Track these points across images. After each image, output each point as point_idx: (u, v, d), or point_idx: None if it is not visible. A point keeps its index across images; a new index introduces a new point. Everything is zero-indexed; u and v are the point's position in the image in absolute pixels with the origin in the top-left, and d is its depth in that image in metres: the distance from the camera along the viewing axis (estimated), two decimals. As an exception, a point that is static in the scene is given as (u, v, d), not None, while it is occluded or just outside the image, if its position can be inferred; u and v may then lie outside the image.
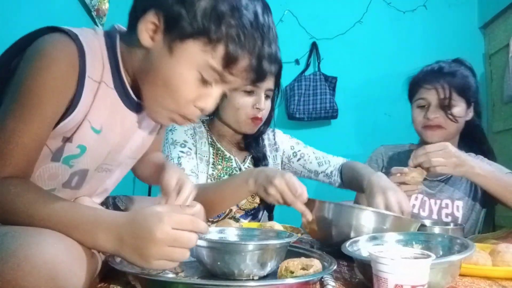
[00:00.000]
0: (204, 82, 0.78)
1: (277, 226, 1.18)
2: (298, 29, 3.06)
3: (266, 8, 0.79)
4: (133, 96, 0.84)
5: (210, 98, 0.80)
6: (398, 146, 1.69)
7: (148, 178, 1.07)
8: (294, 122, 2.95)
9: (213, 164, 1.47)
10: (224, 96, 0.85)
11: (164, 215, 0.62)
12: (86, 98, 0.76)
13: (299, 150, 1.60)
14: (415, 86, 1.55)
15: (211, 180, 1.44)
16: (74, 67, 0.73)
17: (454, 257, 0.77)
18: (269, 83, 1.43)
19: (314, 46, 3.04)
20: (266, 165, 1.54)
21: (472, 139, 1.60)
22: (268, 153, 1.58)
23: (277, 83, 1.49)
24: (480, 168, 1.31)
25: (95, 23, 2.36)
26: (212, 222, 1.36)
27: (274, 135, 1.63)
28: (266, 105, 1.45)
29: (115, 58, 0.80)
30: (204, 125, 1.54)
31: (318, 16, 3.06)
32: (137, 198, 1.12)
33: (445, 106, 1.46)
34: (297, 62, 3.07)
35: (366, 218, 0.98)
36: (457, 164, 1.28)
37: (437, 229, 1.14)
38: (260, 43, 0.76)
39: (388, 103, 2.94)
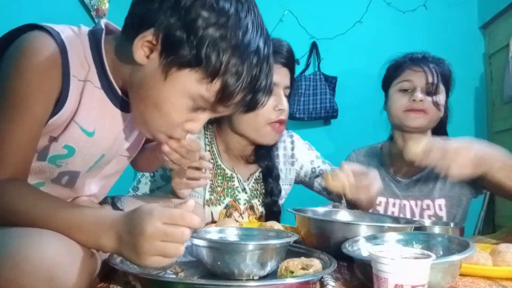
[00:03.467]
0: (195, 109, 0.78)
1: (277, 226, 1.17)
2: (298, 29, 3.06)
3: (268, 40, 0.77)
4: (122, 96, 0.82)
5: (198, 122, 0.80)
6: (371, 147, 1.64)
7: (144, 165, 1.07)
8: (294, 122, 2.95)
9: (210, 186, 1.33)
10: None
11: (155, 210, 0.62)
12: (72, 97, 0.74)
13: (318, 167, 1.45)
14: (399, 68, 1.48)
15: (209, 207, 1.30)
16: (57, 64, 0.72)
17: (455, 257, 0.76)
18: (285, 80, 1.28)
19: (314, 46, 3.04)
20: (277, 180, 1.36)
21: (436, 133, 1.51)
22: (281, 166, 1.42)
23: (292, 80, 1.33)
24: (497, 159, 1.16)
25: (95, 23, 2.35)
26: (212, 222, 1.36)
27: (292, 143, 1.45)
28: (286, 105, 1.28)
29: (100, 58, 0.78)
30: (206, 136, 1.39)
31: (318, 16, 3.06)
32: (137, 197, 1.12)
33: (432, 92, 1.41)
34: (297, 62, 3.03)
35: (363, 232, 0.96)
36: (478, 164, 1.13)
37: (437, 229, 1.13)
38: (258, 78, 0.75)
39: (388, 103, 2.94)
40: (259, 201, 1.39)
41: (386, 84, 1.54)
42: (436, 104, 1.42)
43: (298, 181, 1.51)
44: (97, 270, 0.70)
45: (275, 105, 1.25)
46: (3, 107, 0.70)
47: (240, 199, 1.36)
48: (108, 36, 0.80)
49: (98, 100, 0.79)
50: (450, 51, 2.81)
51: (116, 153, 0.90)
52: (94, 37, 0.79)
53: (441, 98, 1.43)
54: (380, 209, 1.48)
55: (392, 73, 1.51)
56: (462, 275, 0.85)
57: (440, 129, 1.51)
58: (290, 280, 0.69)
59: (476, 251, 0.85)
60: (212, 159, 1.35)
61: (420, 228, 1.11)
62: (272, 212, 1.36)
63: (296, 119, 2.92)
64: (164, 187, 1.38)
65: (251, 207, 1.37)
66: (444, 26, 2.94)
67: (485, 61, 2.86)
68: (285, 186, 1.45)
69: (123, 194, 1.14)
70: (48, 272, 0.56)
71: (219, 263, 0.74)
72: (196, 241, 0.77)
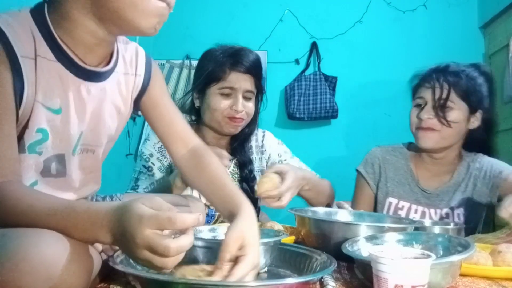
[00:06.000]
0: None
1: (277, 226, 1.17)
2: (298, 29, 3.06)
3: None
4: (81, 64, 0.78)
5: None
6: (396, 148, 1.56)
7: (206, 193, 0.92)
8: (294, 122, 2.96)
9: None
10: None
11: (144, 216, 0.59)
12: (28, 78, 0.72)
13: (285, 160, 1.55)
14: (416, 83, 1.46)
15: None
16: None
17: (455, 257, 0.77)
18: (246, 84, 1.42)
19: (314, 46, 3.04)
20: (251, 170, 1.50)
21: (478, 151, 1.48)
22: (254, 155, 1.55)
23: (258, 86, 1.48)
24: None
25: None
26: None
27: (263, 136, 1.59)
28: (247, 107, 1.43)
29: (48, 30, 0.74)
30: None
31: (318, 16, 3.06)
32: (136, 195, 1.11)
33: (440, 107, 1.36)
34: (297, 62, 3.07)
35: (363, 232, 0.96)
36: None
37: (437, 229, 1.13)
38: None
39: (388, 103, 2.94)
40: (238, 182, 1.50)
41: (411, 97, 1.49)
42: (443, 120, 1.35)
43: None
44: (97, 269, 0.70)
45: (231, 106, 1.42)
46: None
47: None
48: (53, 6, 0.76)
49: (56, 75, 0.76)
50: (450, 51, 2.83)
51: (97, 128, 0.86)
52: (37, 13, 0.76)
53: (455, 113, 1.36)
54: (402, 214, 1.47)
55: (413, 88, 1.48)
56: (462, 275, 0.85)
57: (479, 146, 1.46)
58: (290, 280, 0.69)
59: (476, 251, 0.85)
60: None
61: (420, 228, 1.11)
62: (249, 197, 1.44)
63: (296, 119, 2.92)
64: (163, 178, 1.41)
65: None
66: (444, 26, 2.94)
67: (485, 61, 2.85)
68: (259, 174, 1.53)
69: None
70: (47, 272, 0.56)
71: (205, 260, 0.75)
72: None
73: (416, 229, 1.06)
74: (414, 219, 1.27)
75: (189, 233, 0.61)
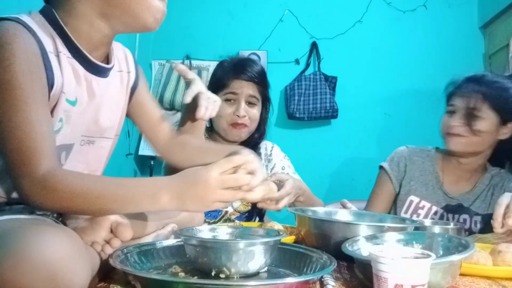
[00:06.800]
0: None
1: (277, 226, 1.18)
2: (298, 29, 3.06)
3: None
4: (93, 60, 0.84)
5: None
6: (423, 149, 1.58)
7: (185, 160, 1.00)
8: (294, 122, 2.96)
9: None
10: None
11: (212, 167, 0.76)
12: (56, 71, 0.77)
13: (288, 174, 1.56)
14: (450, 91, 1.49)
15: None
16: (35, 46, 0.74)
17: (455, 257, 0.77)
18: (248, 90, 1.47)
19: (314, 46, 3.04)
20: None
21: (506, 159, 1.50)
22: (262, 161, 1.60)
23: (263, 94, 1.53)
24: None
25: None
26: (209, 223, 1.37)
27: (272, 147, 1.65)
28: (250, 112, 1.49)
29: (61, 30, 0.80)
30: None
31: (318, 16, 3.06)
32: None
33: (469, 116, 1.38)
34: (297, 62, 3.07)
35: (363, 232, 0.96)
36: None
37: (437, 229, 1.13)
38: None
39: (388, 103, 2.95)
40: None
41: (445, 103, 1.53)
42: (472, 129, 1.37)
43: None
44: (96, 269, 0.70)
45: (234, 111, 1.48)
46: (8, 104, 0.70)
47: None
48: (60, 4, 0.81)
49: (72, 70, 0.81)
50: (450, 51, 2.83)
51: (100, 121, 0.90)
52: (47, 14, 0.80)
53: (484, 123, 1.38)
54: (422, 214, 1.49)
55: (447, 95, 1.51)
56: (462, 275, 0.85)
57: (508, 157, 1.48)
58: (290, 280, 0.69)
59: (476, 251, 0.85)
60: None
61: (420, 228, 1.11)
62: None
63: (296, 119, 2.92)
64: None
65: None
66: (444, 26, 2.94)
67: (485, 61, 2.85)
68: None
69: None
70: (48, 271, 0.57)
71: (205, 259, 0.75)
72: (185, 240, 0.78)
73: (416, 229, 1.06)
74: (414, 219, 1.28)
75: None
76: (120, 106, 0.96)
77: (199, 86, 1.06)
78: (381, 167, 1.59)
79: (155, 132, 1.04)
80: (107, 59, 0.90)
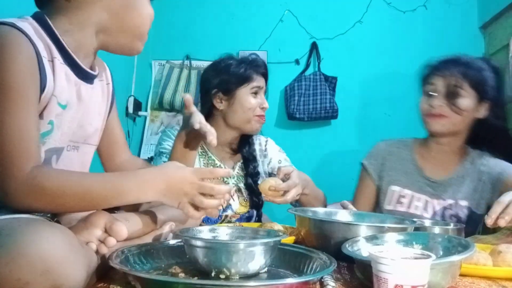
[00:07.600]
0: None
1: (277, 226, 1.18)
2: (298, 29, 3.06)
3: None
4: (83, 66, 0.87)
5: None
6: (400, 140, 1.62)
7: None
8: (294, 122, 2.95)
9: None
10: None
11: (190, 171, 0.83)
12: (49, 76, 0.79)
13: (285, 167, 1.57)
14: (427, 72, 1.51)
15: None
16: (32, 50, 0.76)
17: (455, 257, 0.77)
18: (264, 84, 1.58)
19: (314, 46, 3.04)
20: (256, 167, 1.61)
21: (485, 140, 1.50)
22: (258, 157, 1.64)
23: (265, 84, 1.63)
24: None
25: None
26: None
27: (266, 142, 1.68)
28: (267, 104, 1.58)
29: (55, 36, 0.82)
30: None
31: (318, 16, 3.06)
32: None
33: (451, 94, 1.41)
34: (297, 62, 3.07)
35: (363, 232, 0.96)
36: None
37: (437, 229, 1.13)
38: None
39: (388, 103, 2.94)
40: (244, 184, 1.60)
41: (420, 85, 1.54)
42: (454, 107, 1.41)
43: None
44: (93, 267, 0.70)
45: (260, 103, 1.55)
46: (4, 104, 0.72)
47: (229, 183, 1.57)
48: (61, 11, 0.84)
49: (64, 75, 0.83)
50: (450, 51, 2.82)
51: (84, 127, 0.91)
52: (40, 20, 0.82)
53: (465, 101, 1.41)
54: (405, 202, 1.51)
55: (423, 76, 1.53)
56: (462, 275, 0.85)
57: (487, 133, 1.48)
58: (290, 280, 0.69)
59: (476, 251, 0.85)
60: (204, 152, 1.59)
61: (420, 229, 1.11)
62: (253, 192, 1.58)
63: (296, 119, 2.92)
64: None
65: (239, 190, 1.59)
66: (444, 26, 2.93)
67: (485, 61, 2.86)
68: (261, 175, 1.64)
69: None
70: (44, 265, 0.57)
71: (206, 260, 0.75)
72: (185, 240, 0.79)
73: (416, 229, 1.06)
74: (414, 220, 1.28)
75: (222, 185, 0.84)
76: (101, 114, 0.98)
77: (200, 116, 1.08)
78: (361, 164, 1.63)
79: (115, 148, 1.07)
80: (91, 68, 0.93)
